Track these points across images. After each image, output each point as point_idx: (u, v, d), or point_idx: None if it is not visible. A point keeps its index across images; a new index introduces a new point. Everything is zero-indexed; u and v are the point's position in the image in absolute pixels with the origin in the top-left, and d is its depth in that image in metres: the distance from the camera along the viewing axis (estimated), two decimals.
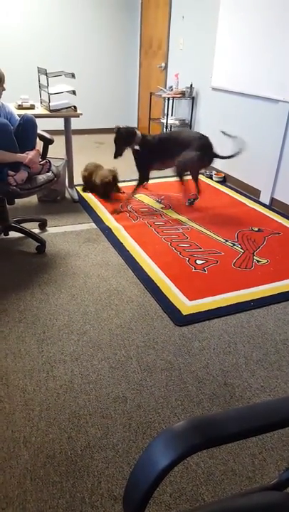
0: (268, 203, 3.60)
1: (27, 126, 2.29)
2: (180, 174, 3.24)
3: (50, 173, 2.43)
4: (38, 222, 2.90)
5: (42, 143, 2.56)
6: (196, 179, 3.43)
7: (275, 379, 1.67)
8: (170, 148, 3.17)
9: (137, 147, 3.14)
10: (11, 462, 1.29)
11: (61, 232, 2.88)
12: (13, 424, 1.42)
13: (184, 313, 2.04)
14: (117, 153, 3.14)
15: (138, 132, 3.16)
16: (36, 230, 2.85)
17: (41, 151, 2.49)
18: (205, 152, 3.14)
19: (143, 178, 3.34)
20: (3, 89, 2.30)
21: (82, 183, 3.71)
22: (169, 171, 3.48)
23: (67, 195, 3.57)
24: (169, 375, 1.66)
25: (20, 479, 1.24)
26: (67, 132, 3.37)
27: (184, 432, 0.61)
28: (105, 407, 1.50)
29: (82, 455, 1.32)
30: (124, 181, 3.80)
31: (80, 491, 1.22)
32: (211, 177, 4.23)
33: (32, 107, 3.18)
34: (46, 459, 1.31)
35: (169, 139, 3.23)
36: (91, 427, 1.42)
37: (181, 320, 1.99)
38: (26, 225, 2.70)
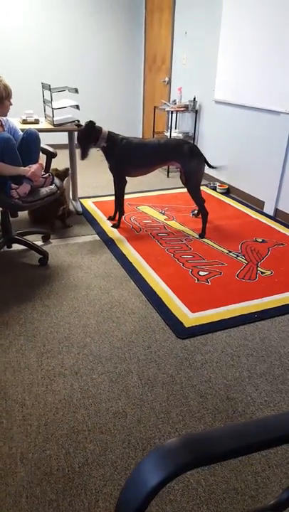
0: (272, 214, 3.58)
1: (30, 140, 2.32)
2: (196, 192, 2.98)
3: (53, 186, 2.45)
4: (41, 235, 2.91)
5: (45, 156, 2.59)
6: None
7: (280, 393, 1.62)
8: (149, 154, 2.89)
9: (104, 144, 2.89)
10: (6, 479, 1.26)
11: (64, 244, 2.88)
12: (11, 439, 1.39)
13: (187, 326, 2.01)
14: (84, 154, 2.92)
15: (104, 129, 2.91)
16: (39, 242, 2.86)
17: (44, 164, 2.52)
18: (197, 157, 2.89)
19: (119, 181, 3.04)
20: (11, 104, 2.34)
21: (87, 195, 3.74)
22: (173, 183, 3.48)
23: (71, 207, 3.59)
24: (171, 389, 1.63)
25: (15, 497, 1.21)
26: (71, 146, 3.41)
27: (175, 449, 0.59)
28: (104, 423, 1.47)
29: (79, 472, 1.29)
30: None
31: (77, 509, 1.18)
32: (214, 188, 4.23)
33: (36, 122, 3.23)
34: (43, 475, 1.28)
35: (147, 144, 2.90)
36: (89, 443, 1.39)
37: (184, 332, 1.96)
38: (30, 237, 2.72)
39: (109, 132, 2.90)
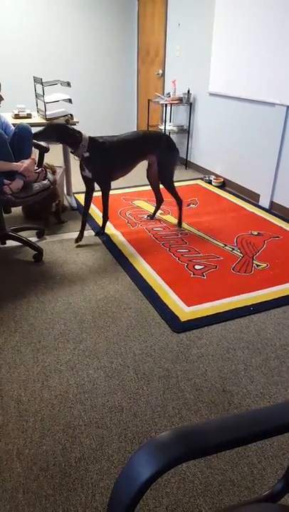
0: (267, 207, 3.57)
1: (22, 135, 2.29)
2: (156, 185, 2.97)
3: (46, 181, 2.43)
4: (35, 231, 2.90)
5: (37, 151, 2.56)
6: (158, 187, 3.06)
7: (275, 385, 1.63)
8: (131, 151, 2.67)
9: (86, 154, 2.51)
10: (3, 475, 1.26)
11: (59, 240, 2.87)
12: (7, 435, 1.39)
13: (182, 320, 2.01)
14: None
15: (84, 134, 2.49)
16: (34, 239, 2.84)
17: (37, 159, 2.49)
18: (174, 149, 2.81)
19: (108, 188, 2.72)
20: (2, 99, 2.31)
21: (79, 190, 3.70)
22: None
23: (65, 202, 3.56)
24: (167, 383, 1.63)
25: (12, 493, 1.21)
26: None
27: (168, 442, 0.59)
28: (101, 417, 1.47)
29: (76, 467, 1.29)
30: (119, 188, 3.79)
31: (74, 504, 1.19)
32: (210, 182, 4.22)
33: (29, 116, 3.20)
34: (39, 471, 1.28)
35: (127, 141, 2.64)
36: (86, 438, 1.39)
37: (179, 326, 1.96)
38: (24, 234, 2.70)
39: (90, 138, 2.51)
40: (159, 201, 3.16)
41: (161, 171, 2.83)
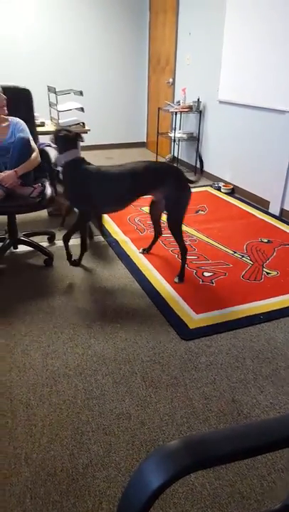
0: (277, 214, 3.56)
1: (14, 146, 2.30)
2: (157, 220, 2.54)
3: (38, 198, 2.35)
4: (47, 236, 2.92)
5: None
6: (158, 220, 2.63)
7: (285, 395, 1.61)
8: (124, 185, 2.23)
9: (58, 168, 2.31)
10: (11, 479, 1.26)
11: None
12: (15, 439, 1.39)
13: (191, 327, 2.00)
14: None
15: (75, 151, 2.25)
16: (45, 244, 2.87)
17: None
18: (186, 187, 2.27)
19: (83, 218, 2.40)
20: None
21: None
22: None
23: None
24: (175, 391, 1.62)
25: (20, 498, 1.21)
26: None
27: (177, 451, 0.58)
28: (108, 424, 1.46)
29: (83, 473, 1.29)
30: None
31: (81, 511, 1.18)
32: (219, 189, 4.22)
33: (42, 125, 3.25)
34: (47, 476, 1.28)
35: (122, 173, 2.21)
36: (93, 444, 1.39)
37: (188, 334, 1.96)
38: (35, 239, 2.73)
39: (77, 158, 2.26)
40: (157, 235, 2.70)
41: (168, 215, 2.32)
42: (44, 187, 2.44)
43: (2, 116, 2.36)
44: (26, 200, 2.35)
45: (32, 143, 2.42)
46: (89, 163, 2.28)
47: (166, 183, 2.23)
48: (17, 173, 2.27)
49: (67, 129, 2.34)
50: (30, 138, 2.42)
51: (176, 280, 2.41)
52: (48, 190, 2.43)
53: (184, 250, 2.39)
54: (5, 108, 2.35)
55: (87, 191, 2.23)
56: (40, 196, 2.38)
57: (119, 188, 2.23)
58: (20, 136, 2.33)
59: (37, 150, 2.44)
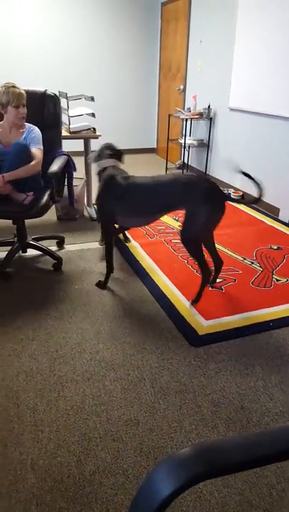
0: (287, 221, 3.52)
1: (11, 151, 2.28)
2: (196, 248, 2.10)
3: (29, 205, 2.33)
4: (56, 240, 2.94)
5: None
6: (211, 245, 2.28)
7: None
8: (148, 198, 2.06)
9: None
10: (17, 486, 1.25)
11: (78, 249, 2.90)
12: (22, 445, 1.39)
13: (200, 333, 1.98)
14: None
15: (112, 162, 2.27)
16: (54, 248, 2.88)
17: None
18: (214, 200, 2.00)
19: (106, 234, 2.32)
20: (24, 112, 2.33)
21: None
22: None
23: (85, 213, 3.62)
24: (184, 397, 1.60)
25: (25, 504, 1.20)
26: (87, 153, 3.45)
27: (188, 459, 0.57)
28: (116, 430, 1.45)
29: (90, 480, 1.27)
30: None
31: None
32: (229, 195, 4.20)
33: None
34: (53, 483, 1.26)
35: (146, 185, 2.06)
36: (101, 451, 1.37)
37: (197, 340, 1.94)
38: (45, 243, 2.74)
39: (111, 174, 2.19)
40: (218, 264, 2.31)
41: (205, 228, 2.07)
42: (38, 195, 2.36)
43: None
44: (16, 206, 2.30)
45: (36, 151, 2.34)
46: (127, 177, 2.16)
47: (192, 196, 1.98)
48: (4, 178, 2.23)
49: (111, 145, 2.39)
50: (38, 147, 2.37)
51: (190, 302, 2.21)
52: (44, 199, 2.35)
53: (206, 273, 2.14)
54: (23, 119, 2.35)
55: (114, 204, 2.14)
56: (31, 205, 2.32)
57: (142, 200, 2.07)
58: (17, 142, 2.30)
59: (38, 159, 2.33)
